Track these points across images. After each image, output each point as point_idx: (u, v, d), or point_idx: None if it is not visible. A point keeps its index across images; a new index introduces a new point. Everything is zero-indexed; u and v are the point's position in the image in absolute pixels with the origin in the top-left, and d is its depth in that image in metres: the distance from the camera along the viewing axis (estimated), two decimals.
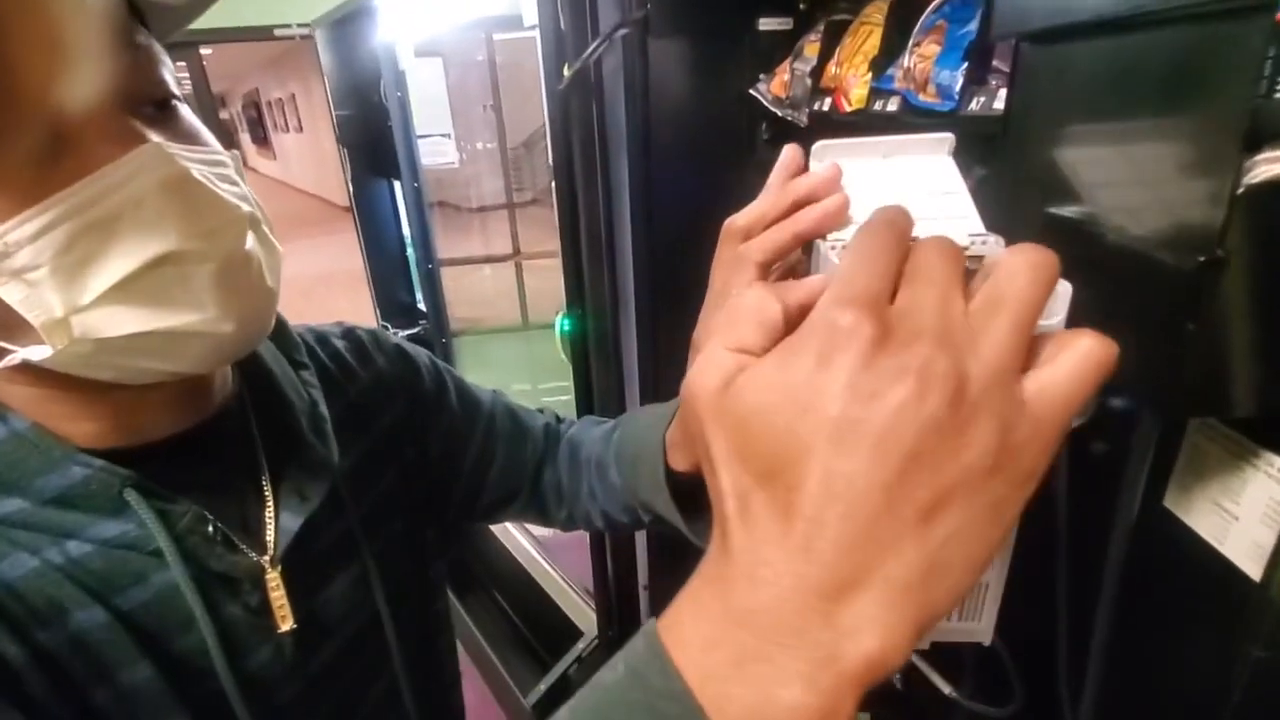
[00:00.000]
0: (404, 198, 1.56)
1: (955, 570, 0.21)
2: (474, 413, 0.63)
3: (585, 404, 1.13)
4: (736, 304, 0.26)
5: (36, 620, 0.36)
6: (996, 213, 0.42)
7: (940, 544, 0.20)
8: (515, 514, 0.68)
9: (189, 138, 0.36)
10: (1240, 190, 0.27)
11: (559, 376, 1.20)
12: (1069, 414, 0.21)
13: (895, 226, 0.25)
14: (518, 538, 1.86)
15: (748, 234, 0.35)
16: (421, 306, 1.75)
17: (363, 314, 2.11)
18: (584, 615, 1.55)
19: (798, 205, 0.34)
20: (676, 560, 1.19)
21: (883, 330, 0.21)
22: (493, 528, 1.91)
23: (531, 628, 1.69)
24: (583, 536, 1.34)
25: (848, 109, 0.72)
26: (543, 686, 1.45)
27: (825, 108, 0.76)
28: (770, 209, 0.35)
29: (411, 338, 1.79)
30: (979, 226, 0.32)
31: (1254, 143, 0.27)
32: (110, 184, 0.31)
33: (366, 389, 0.56)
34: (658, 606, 1.36)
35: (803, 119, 0.80)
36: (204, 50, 4.90)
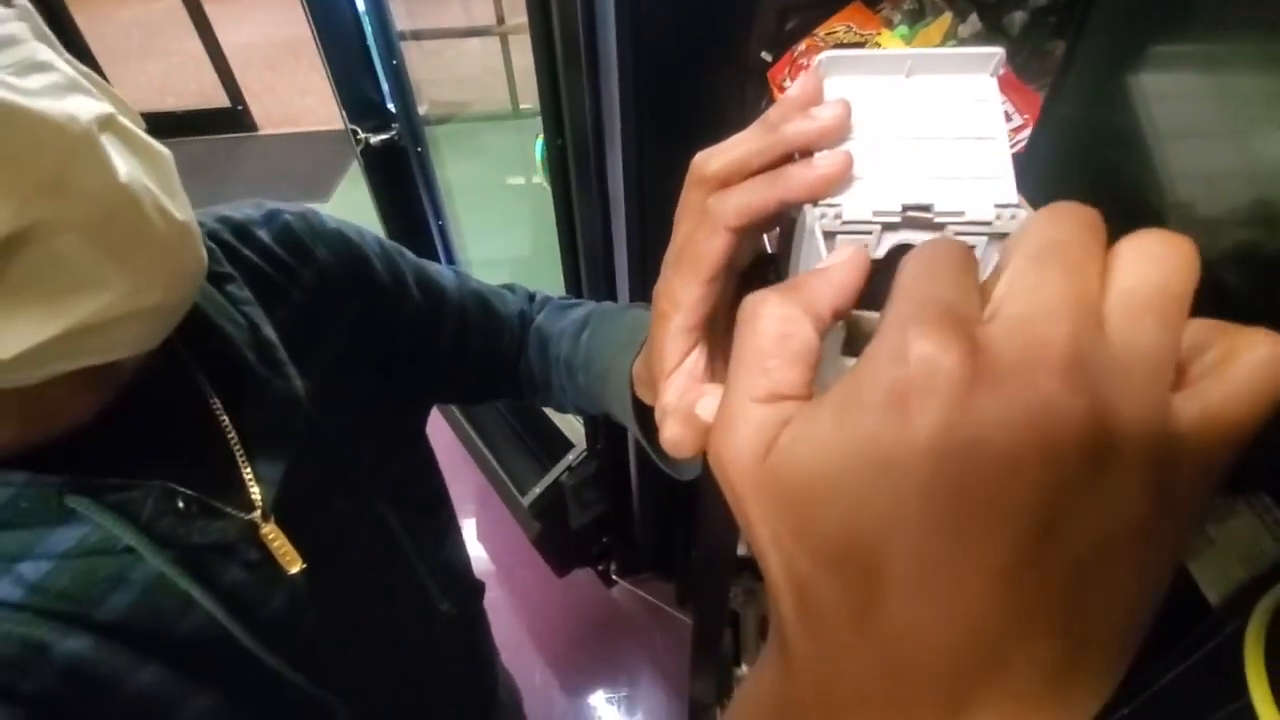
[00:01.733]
0: None
1: (1096, 667, 0.15)
2: (440, 304, 0.58)
3: (569, 242, 1.06)
4: (751, 332, 0.19)
5: (16, 671, 0.32)
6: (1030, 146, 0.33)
7: (1079, 638, 0.15)
8: (490, 400, 0.66)
9: None
10: None
11: None
12: (1242, 446, 0.15)
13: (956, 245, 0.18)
14: None
15: (723, 182, 0.26)
16: (391, 107, 1.57)
17: None
18: (574, 429, 1.62)
19: (790, 154, 0.26)
20: None
21: (977, 354, 0.15)
22: None
23: (529, 434, 1.77)
24: None
25: None
26: (538, 489, 1.56)
27: None
28: (754, 156, 0.26)
29: (386, 144, 1.64)
30: (1011, 193, 0.24)
31: None
32: None
33: (313, 289, 0.49)
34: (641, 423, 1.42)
35: None
36: None
